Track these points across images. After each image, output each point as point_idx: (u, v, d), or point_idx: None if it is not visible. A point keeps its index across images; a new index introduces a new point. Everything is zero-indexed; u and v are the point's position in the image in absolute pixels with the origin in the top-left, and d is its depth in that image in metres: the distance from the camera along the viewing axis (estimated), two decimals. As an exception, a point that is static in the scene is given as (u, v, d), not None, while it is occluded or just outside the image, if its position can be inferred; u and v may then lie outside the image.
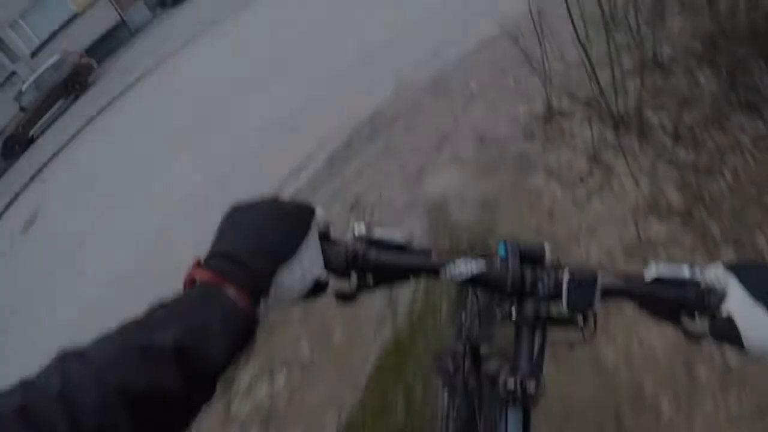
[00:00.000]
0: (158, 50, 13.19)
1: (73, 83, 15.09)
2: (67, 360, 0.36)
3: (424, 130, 3.63)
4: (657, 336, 1.92)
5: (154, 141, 7.18)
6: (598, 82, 2.64)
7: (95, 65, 16.06)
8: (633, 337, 1.98)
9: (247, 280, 0.46)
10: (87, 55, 16.37)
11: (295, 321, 2.55)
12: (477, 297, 0.97)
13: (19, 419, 0.30)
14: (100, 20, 18.91)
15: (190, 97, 7.98)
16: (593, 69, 2.63)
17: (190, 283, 0.47)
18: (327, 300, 0.61)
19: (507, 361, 0.66)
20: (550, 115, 3.05)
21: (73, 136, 11.23)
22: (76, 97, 14.90)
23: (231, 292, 0.45)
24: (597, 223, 2.44)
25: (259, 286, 0.47)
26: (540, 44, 3.08)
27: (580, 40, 2.64)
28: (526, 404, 0.63)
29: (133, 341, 0.38)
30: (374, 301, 2.38)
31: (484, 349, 0.78)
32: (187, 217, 4.42)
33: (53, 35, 18.39)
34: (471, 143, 3.24)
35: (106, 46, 18.65)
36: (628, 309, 0.66)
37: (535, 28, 2.98)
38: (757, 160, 2.45)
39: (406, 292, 2.31)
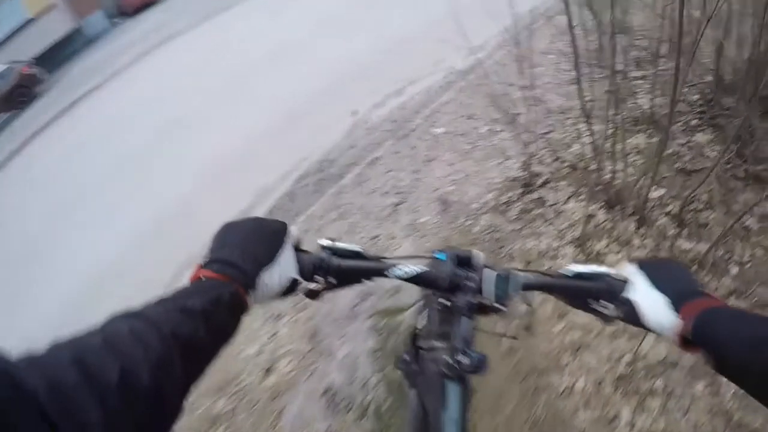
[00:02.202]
0: (113, 62, 12.36)
1: (17, 95, 13.89)
2: (128, 316, 0.46)
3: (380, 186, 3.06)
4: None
5: (95, 166, 6.37)
6: (596, 148, 2.12)
7: (44, 76, 14.95)
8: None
9: (240, 279, 0.60)
10: (38, 65, 15.25)
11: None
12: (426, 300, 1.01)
13: (105, 345, 0.40)
14: (55, 27, 17.76)
15: (138, 117, 7.23)
16: (590, 125, 2.11)
17: (196, 279, 0.59)
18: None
19: (446, 344, 0.77)
20: (529, 181, 2.52)
21: (11, 156, 10.28)
22: (21, 111, 13.78)
23: (231, 284, 0.59)
24: (584, 339, 1.91)
25: (248, 283, 0.61)
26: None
27: (580, 83, 2.08)
28: (462, 377, 0.73)
29: (174, 306, 0.50)
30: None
31: (430, 337, 0.85)
32: (110, 278, 3.74)
33: (5, 41, 17.17)
34: (433, 210, 2.68)
35: (60, 54, 17.53)
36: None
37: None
38: (766, 249, 1.98)
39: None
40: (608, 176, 2.25)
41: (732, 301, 1.89)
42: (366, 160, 3.31)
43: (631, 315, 0.70)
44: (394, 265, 0.77)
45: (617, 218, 2.18)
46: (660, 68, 2.49)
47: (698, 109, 2.47)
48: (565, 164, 2.52)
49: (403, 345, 1.24)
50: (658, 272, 0.70)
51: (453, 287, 0.77)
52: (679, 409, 1.65)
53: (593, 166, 2.41)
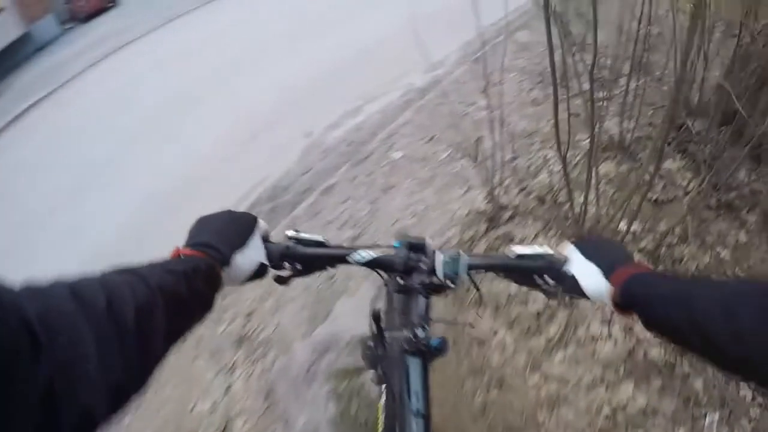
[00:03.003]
0: (64, 70, 11.67)
1: (-42, 107, 13.10)
2: (121, 271, 0.51)
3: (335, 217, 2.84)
4: None
5: (42, 185, 5.83)
6: (567, 175, 1.96)
7: (-13, 86, 14.13)
8: None
9: (216, 256, 0.68)
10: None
11: None
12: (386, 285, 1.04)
13: (101, 286, 0.45)
14: (3, 33, 16.80)
15: (88, 131, 6.74)
16: (561, 153, 1.95)
17: (176, 257, 0.65)
18: None
19: (406, 322, 0.83)
20: (494, 214, 2.35)
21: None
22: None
23: (209, 259, 0.66)
24: (560, 391, 1.75)
25: (223, 261, 0.69)
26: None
27: (556, 112, 1.92)
28: (421, 350, 0.79)
29: (160, 267, 0.56)
30: None
31: (391, 319, 0.90)
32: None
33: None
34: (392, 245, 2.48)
35: (8, 62, 16.56)
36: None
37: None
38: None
39: None
40: (578, 209, 2.12)
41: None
42: (321, 188, 3.08)
43: (572, 287, 0.77)
44: (354, 252, 0.86)
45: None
46: (627, 88, 2.37)
47: (664, 131, 2.35)
48: (532, 195, 2.37)
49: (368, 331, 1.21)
50: (592, 247, 0.78)
51: (408, 269, 0.86)
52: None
53: (562, 198, 2.27)
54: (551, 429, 1.70)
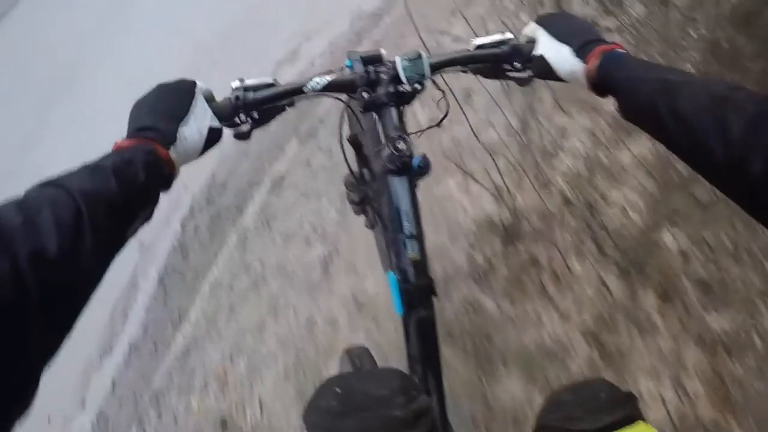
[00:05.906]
0: None
1: None
2: (43, 184, 0.48)
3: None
4: None
5: None
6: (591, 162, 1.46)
7: None
8: None
9: (156, 137, 0.62)
10: None
11: None
12: (352, 112, 1.02)
13: (16, 208, 0.42)
14: None
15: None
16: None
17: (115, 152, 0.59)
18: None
19: (381, 140, 0.82)
20: (510, 225, 1.84)
21: None
22: None
23: (147, 144, 0.60)
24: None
25: (167, 138, 0.63)
26: None
27: None
28: (404, 164, 0.78)
29: (85, 170, 0.52)
30: None
31: (365, 144, 0.93)
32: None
33: None
34: (379, 267, 1.96)
35: None
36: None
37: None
38: None
39: None
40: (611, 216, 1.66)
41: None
42: (267, 182, 2.40)
43: (544, 70, 0.75)
44: (308, 82, 0.81)
45: (637, 287, 1.62)
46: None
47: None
48: (554, 188, 1.85)
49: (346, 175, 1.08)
50: (558, 25, 0.74)
51: (371, 83, 0.82)
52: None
53: (594, 196, 1.79)
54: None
